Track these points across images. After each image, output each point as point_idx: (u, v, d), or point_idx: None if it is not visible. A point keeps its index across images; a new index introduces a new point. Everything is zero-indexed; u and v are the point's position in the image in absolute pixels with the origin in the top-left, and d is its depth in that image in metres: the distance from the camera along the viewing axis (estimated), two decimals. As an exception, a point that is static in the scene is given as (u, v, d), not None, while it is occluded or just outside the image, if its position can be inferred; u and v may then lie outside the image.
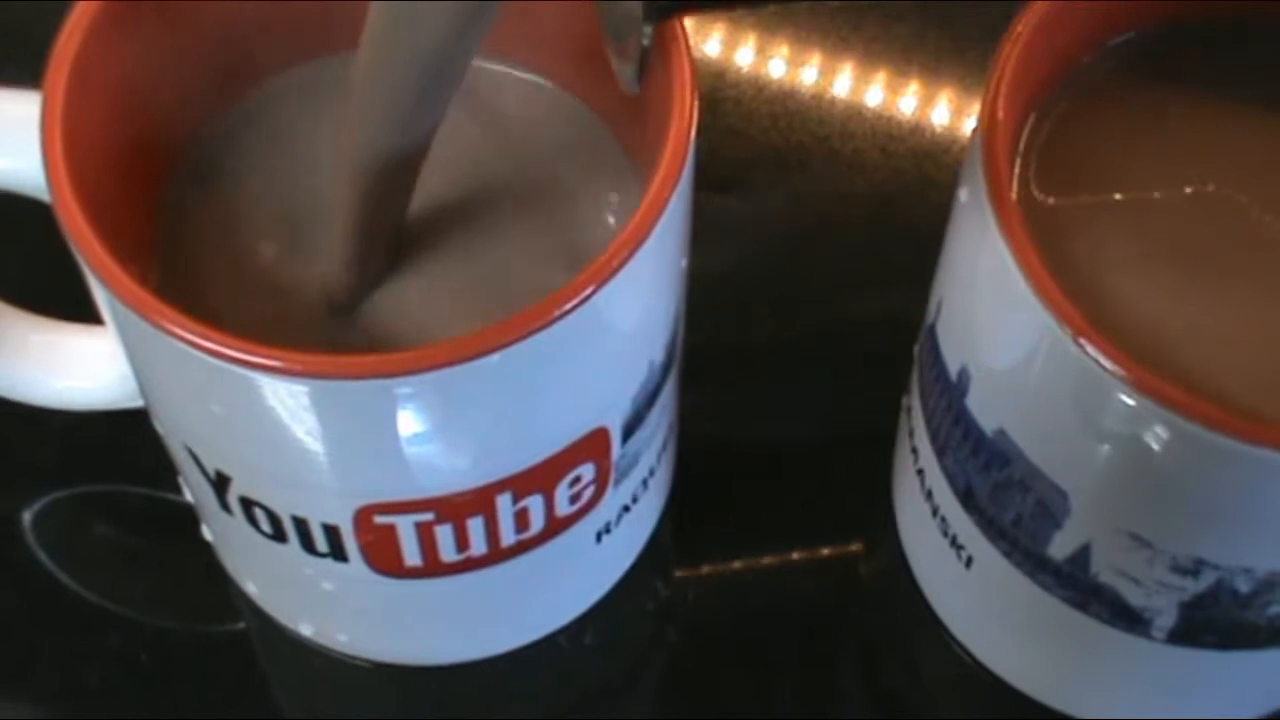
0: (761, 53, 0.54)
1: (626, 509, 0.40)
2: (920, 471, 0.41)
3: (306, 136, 0.39)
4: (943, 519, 0.40)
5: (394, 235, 0.37)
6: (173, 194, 0.38)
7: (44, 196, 0.34)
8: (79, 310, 0.38)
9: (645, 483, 0.41)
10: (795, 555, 0.46)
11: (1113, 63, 0.37)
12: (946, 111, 0.52)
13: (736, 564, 0.46)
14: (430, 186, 0.37)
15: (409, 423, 0.33)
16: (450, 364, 0.32)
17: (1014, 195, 0.33)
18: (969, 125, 0.52)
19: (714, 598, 0.45)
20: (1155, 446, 0.32)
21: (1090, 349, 0.32)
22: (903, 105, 0.52)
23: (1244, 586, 0.34)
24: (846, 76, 0.53)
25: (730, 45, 0.54)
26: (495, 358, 0.32)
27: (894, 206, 0.51)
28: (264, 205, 0.38)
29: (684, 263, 0.37)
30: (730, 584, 0.46)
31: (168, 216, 0.38)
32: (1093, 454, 0.34)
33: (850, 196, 0.51)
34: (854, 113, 0.52)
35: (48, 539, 0.45)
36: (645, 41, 0.32)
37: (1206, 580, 0.34)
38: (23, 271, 0.45)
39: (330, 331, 0.37)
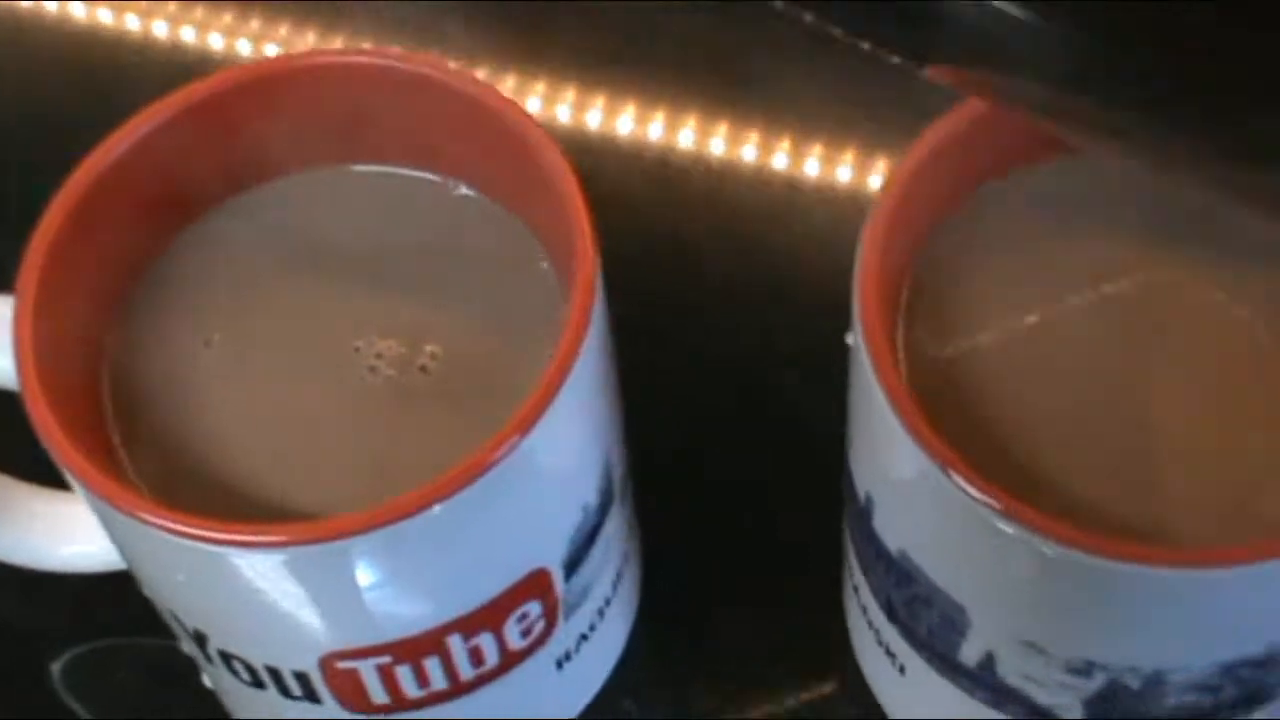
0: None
1: (585, 637, 0.43)
2: (855, 588, 0.43)
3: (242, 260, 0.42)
4: (876, 630, 0.43)
5: None
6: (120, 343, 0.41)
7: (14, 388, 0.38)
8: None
9: (601, 612, 0.44)
10: (760, 671, 0.48)
11: (989, 203, 0.40)
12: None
13: (705, 679, 0.48)
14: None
15: (361, 577, 0.37)
16: (393, 521, 0.35)
17: (898, 337, 0.36)
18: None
19: (685, 714, 0.48)
20: (1033, 567, 0.35)
21: (963, 483, 0.35)
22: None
23: (1134, 683, 0.37)
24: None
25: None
26: (435, 510, 0.35)
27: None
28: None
29: (608, 406, 0.40)
30: (700, 698, 0.48)
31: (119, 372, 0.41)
32: (981, 574, 0.37)
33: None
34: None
35: (68, 693, 0.49)
36: None
37: (1099, 680, 0.37)
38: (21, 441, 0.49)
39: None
